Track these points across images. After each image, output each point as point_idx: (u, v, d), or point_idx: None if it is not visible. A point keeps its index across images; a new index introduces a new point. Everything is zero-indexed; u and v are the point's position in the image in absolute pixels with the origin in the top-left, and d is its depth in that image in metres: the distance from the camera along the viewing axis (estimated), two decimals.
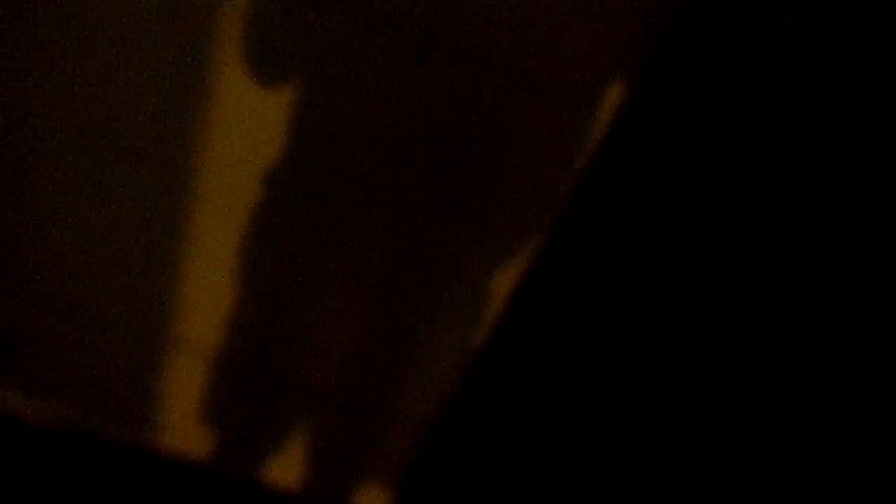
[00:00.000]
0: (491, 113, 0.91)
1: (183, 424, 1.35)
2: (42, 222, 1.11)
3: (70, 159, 1.02)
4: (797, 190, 0.71)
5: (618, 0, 0.82)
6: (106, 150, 1.01)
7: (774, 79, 0.72)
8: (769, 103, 0.73)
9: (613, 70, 0.86)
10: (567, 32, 0.84)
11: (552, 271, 0.94)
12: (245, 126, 0.96)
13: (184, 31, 0.89)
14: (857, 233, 0.69)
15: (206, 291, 1.14)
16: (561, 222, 0.92)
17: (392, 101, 0.92)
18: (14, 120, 0.99)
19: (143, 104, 0.96)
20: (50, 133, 1.00)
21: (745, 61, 0.74)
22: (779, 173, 0.73)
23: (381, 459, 1.34)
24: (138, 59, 0.92)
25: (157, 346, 1.24)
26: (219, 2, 0.86)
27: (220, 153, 0.99)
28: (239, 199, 1.03)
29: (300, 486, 1.41)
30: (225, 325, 1.18)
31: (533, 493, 1.06)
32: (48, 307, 1.22)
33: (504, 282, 1.05)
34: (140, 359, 1.26)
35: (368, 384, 1.22)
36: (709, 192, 0.78)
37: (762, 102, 0.74)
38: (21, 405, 1.36)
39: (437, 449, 1.18)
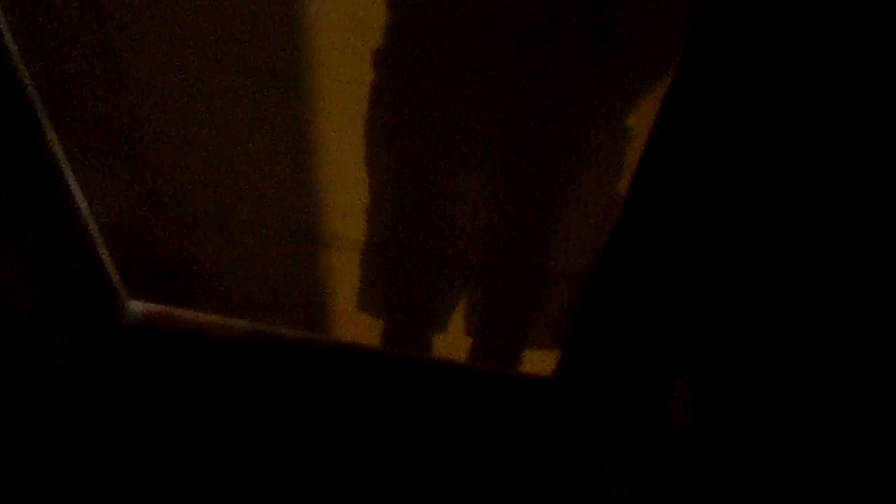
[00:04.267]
0: None
1: (351, 316, 1.44)
2: (186, 147, 1.18)
3: (192, 80, 1.07)
4: None
5: None
6: (228, 69, 1.05)
7: None
8: None
9: None
10: None
11: (687, 104, 0.89)
12: (346, 9, 0.95)
13: None
14: None
15: (349, 187, 1.19)
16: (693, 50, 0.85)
17: None
18: (155, 50, 1.04)
19: (249, 19, 0.98)
20: (182, 58, 1.04)
21: None
22: None
23: (543, 321, 1.36)
24: None
25: (313, 247, 1.31)
26: None
27: (329, 45, 0.99)
28: (358, 88, 1.04)
29: (468, 359, 1.48)
30: (371, 216, 1.23)
31: (690, 332, 1.08)
32: (206, 228, 1.32)
33: (644, 120, 0.99)
34: (300, 263, 1.35)
35: (521, 247, 1.23)
36: None
37: None
38: (199, 323, 1.52)
39: (597, 302, 1.18)
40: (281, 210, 1.25)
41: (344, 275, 1.36)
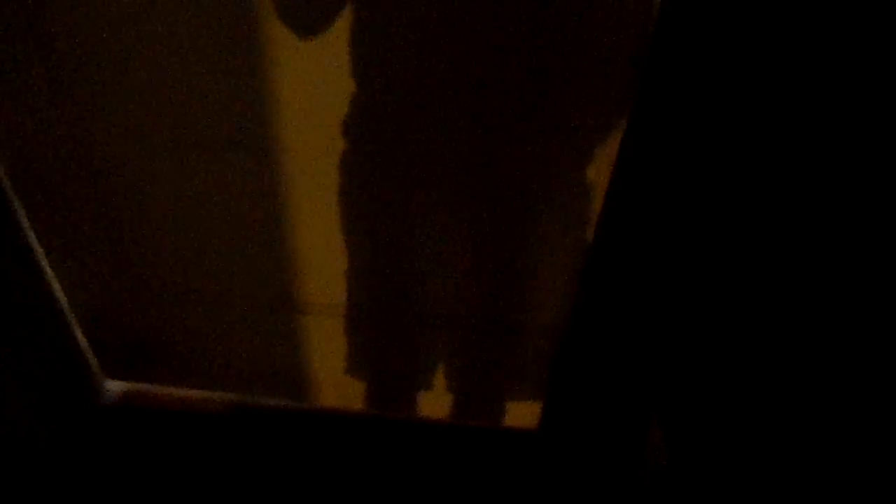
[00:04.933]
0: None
1: (333, 381, 1.44)
2: (158, 223, 1.19)
3: (162, 158, 1.10)
4: None
5: None
6: (197, 145, 1.07)
7: None
8: None
9: None
10: None
11: (642, 150, 0.92)
12: (311, 83, 0.99)
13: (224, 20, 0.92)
14: None
15: (321, 252, 1.20)
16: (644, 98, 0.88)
17: (446, 19, 0.91)
18: (122, 130, 1.07)
19: (215, 96, 1.01)
20: (150, 137, 1.07)
21: None
22: None
23: (523, 373, 1.37)
24: (196, 58, 0.98)
25: (291, 315, 1.32)
26: None
27: (297, 117, 1.03)
28: (328, 157, 1.07)
29: (453, 416, 1.48)
30: (348, 280, 1.24)
31: (662, 375, 1.08)
32: (183, 302, 1.32)
33: (602, 171, 1.03)
34: (279, 331, 1.35)
35: (496, 301, 1.24)
36: None
37: None
38: (180, 398, 1.50)
39: (571, 353, 1.19)
40: (258, 279, 1.26)
41: (324, 340, 1.36)
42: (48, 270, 1.25)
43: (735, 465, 0.94)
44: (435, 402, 1.45)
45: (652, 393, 1.15)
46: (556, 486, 1.37)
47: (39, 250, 1.21)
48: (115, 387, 1.49)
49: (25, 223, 1.17)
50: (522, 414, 1.44)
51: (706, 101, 0.86)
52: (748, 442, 0.93)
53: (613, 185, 0.98)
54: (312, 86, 0.99)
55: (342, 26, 0.93)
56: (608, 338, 1.13)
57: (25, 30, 0.96)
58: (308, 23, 0.93)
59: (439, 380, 1.41)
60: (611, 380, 1.18)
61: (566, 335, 1.20)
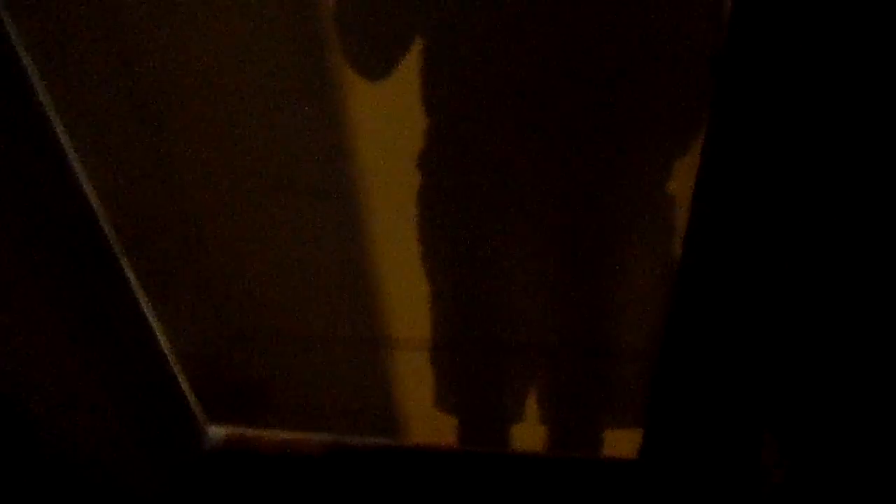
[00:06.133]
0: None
1: (425, 417, 1.44)
2: (251, 268, 1.25)
3: (252, 205, 1.15)
4: None
5: None
6: (281, 190, 1.12)
7: None
8: None
9: None
10: None
11: (724, 156, 0.88)
12: (383, 122, 1.01)
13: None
14: None
15: (408, 288, 1.22)
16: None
17: (513, 39, 0.91)
18: (214, 179, 1.13)
19: (295, 143, 1.06)
20: (239, 184, 1.13)
21: None
22: None
23: (618, 399, 1.33)
24: (278, 106, 1.02)
25: (381, 351, 1.34)
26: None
27: (373, 157, 1.05)
28: (405, 191, 1.09)
29: (547, 448, 1.44)
30: (434, 314, 1.25)
31: (770, 387, 1.03)
32: (275, 344, 1.36)
33: (684, 182, 0.99)
34: (370, 369, 1.37)
35: (583, 325, 1.22)
36: None
37: None
38: (277, 441, 1.53)
39: (673, 369, 1.15)
40: (347, 318, 1.29)
41: (413, 376, 1.36)
42: (152, 318, 1.32)
43: (859, 474, 0.87)
44: (528, 434, 1.42)
45: (763, 406, 1.08)
46: None
47: (143, 297, 1.28)
48: (217, 431, 1.55)
49: (129, 271, 1.24)
50: (621, 442, 1.39)
51: (792, 100, 0.82)
52: (873, 446, 0.86)
53: (699, 193, 0.94)
54: (385, 124, 1.02)
55: (407, 64, 0.95)
56: (708, 353, 1.08)
57: (118, 80, 1.03)
58: (375, 66, 0.96)
59: (531, 410, 1.38)
60: (716, 397, 1.12)
61: (662, 354, 1.15)
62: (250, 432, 1.54)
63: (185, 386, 1.45)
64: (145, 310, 1.30)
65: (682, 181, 1.00)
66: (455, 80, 0.97)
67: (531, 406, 1.37)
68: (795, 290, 0.94)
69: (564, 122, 0.98)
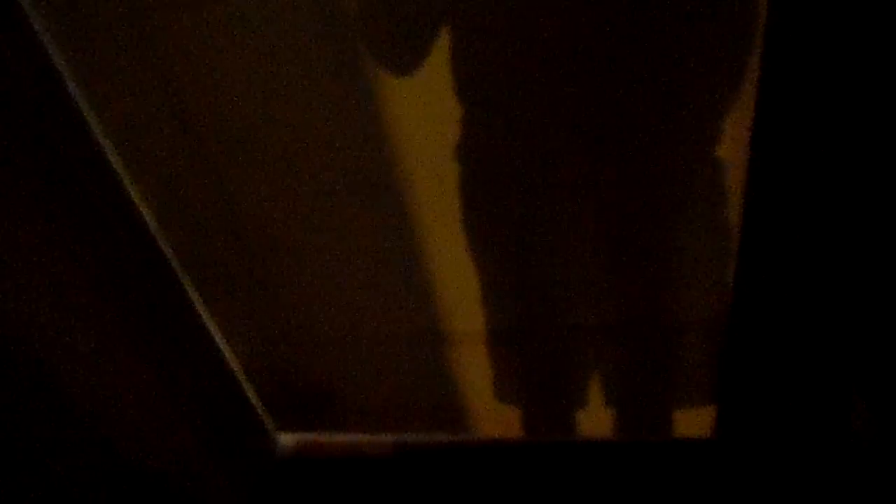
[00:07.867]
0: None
1: (489, 410, 1.42)
2: (306, 272, 1.26)
3: (303, 208, 1.16)
4: None
5: None
6: (327, 191, 1.13)
7: None
8: None
9: None
10: None
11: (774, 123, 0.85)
12: (418, 115, 1.01)
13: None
14: None
15: (460, 280, 1.21)
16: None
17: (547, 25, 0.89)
18: (260, 184, 1.15)
19: (336, 143, 1.07)
20: (285, 188, 1.14)
21: None
22: None
23: (687, 376, 1.28)
24: (314, 106, 1.03)
25: (440, 346, 1.33)
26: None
27: (412, 151, 1.05)
28: (452, 182, 1.08)
29: (615, 432, 1.41)
30: (488, 303, 1.24)
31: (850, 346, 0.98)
32: (336, 347, 1.37)
33: (735, 146, 0.95)
34: (430, 364, 1.37)
35: (643, 301, 1.19)
36: None
37: None
38: (346, 445, 1.54)
39: (745, 339, 1.11)
40: (404, 315, 1.29)
41: (475, 368, 1.36)
42: (214, 330, 1.35)
43: None
44: (595, 420, 1.39)
45: (849, 367, 1.03)
46: (741, 496, 1.26)
47: (204, 310, 1.32)
48: (287, 439, 1.57)
49: (189, 285, 1.27)
50: (693, 422, 1.34)
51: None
52: None
53: (755, 148, 0.90)
54: (420, 117, 1.02)
55: (437, 55, 0.95)
56: (782, 319, 1.03)
57: (159, 91, 1.06)
58: (404, 61, 0.97)
59: (596, 395, 1.35)
60: (795, 364, 1.07)
61: (731, 324, 1.11)
62: (319, 438, 1.56)
63: (252, 396, 1.48)
64: (206, 321, 1.33)
65: (735, 144, 0.97)
66: (487, 66, 0.96)
67: (596, 390, 1.35)
68: (872, 244, 0.90)
69: (606, 95, 0.96)
